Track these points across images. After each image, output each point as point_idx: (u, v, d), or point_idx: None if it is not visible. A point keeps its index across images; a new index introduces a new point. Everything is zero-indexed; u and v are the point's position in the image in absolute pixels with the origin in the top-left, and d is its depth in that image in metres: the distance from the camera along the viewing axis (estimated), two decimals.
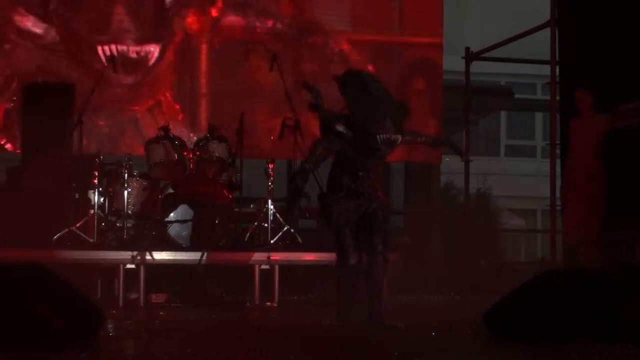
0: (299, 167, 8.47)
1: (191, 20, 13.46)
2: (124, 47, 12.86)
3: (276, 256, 10.14)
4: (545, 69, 12.09)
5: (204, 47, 13.63)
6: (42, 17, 13.00)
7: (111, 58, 11.82)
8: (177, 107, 13.21)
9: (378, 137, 7.54)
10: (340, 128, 7.72)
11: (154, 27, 13.34)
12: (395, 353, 6.13)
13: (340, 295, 7.98)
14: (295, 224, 10.82)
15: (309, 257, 10.54)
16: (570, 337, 6.44)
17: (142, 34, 13.18)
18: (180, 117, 13.13)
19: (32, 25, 13.02)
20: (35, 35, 12.99)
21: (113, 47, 12.65)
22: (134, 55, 13.12)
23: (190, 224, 10.48)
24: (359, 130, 7.67)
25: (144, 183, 10.86)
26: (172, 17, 13.47)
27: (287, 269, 10.48)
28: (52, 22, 13.04)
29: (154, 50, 13.30)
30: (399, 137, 7.66)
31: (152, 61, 13.30)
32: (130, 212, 10.74)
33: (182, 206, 10.54)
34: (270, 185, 10.88)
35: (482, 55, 14.36)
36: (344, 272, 7.83)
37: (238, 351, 6.24)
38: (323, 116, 7.88)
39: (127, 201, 10.71)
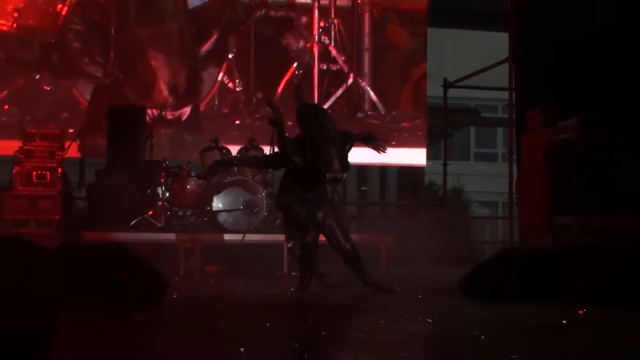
0: (230, 158, 8.34)
1: None
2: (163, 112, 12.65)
3: None
4: (504, 94, 12.06)
5: None
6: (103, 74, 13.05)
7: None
8: None
9: (326, 175, 7.03)
10: (296, 159, 7.27)
11: (187, 95, 13.25)
12: (390, 310, 6.14)
13: (302, 271, 7.42)
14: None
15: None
16: (524, 299, 6.44)
17: (177, 103, 13.04)
18: None
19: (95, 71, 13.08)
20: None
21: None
22: (170, 117, 13.10)
23: (234, 212, 10.50)
24: (311, 166, 7.16)
25: (199, 182, 10.87)
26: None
27: None
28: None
29: (186, 110, 13.27)
30: (344, 175, 7.17)
31: (184, 117, 13.31)
32: (189, 203, 10.78)
33: (228, 199, 10.57)
34: None
35: (456, 84, 14.33)
36: (304, 249, 7.38)
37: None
38: (281, 139, 7.44)
39: (187, 195, 10.75)
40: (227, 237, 10.36)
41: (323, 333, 5.08)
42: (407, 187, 15.86)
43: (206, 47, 13.48)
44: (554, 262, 6.90)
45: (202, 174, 10.90)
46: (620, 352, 4.43)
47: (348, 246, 7.36)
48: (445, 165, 14.45)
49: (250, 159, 8.68)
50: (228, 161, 8.26)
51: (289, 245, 7.60)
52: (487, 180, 24.61)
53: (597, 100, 10.79)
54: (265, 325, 5.26)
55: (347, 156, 7.28)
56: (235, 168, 10.74)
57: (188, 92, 13.18)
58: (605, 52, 11.12)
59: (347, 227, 7.73)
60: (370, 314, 6.07)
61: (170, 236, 10.30)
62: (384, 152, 7.57)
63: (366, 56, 14.00)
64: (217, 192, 10.51)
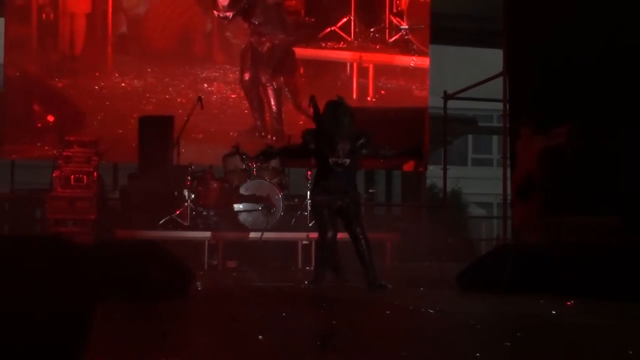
0: (275, 149, 8.37)
1: None
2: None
3: (313, 235, 10.14)
4: (499, 105, 12.04)
5: None
6: None
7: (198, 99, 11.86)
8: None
9: (330, 160, 7.21)
10: (311, 146, 7.44)
11: None
12: (396, 302, 6.14)
13: (317, 266, 7.55)
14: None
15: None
16: (517, 291, 6.42)
17: None
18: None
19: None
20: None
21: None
22: None
23: (253, 212, 10.51)
24: (321, 150, 7.35)
25: (222, 184, 10.88)
26: None
27: None
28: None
29: None
30: (347, 161, 7.22)
31: None
32: (212, 204, 10.79)
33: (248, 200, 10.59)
34: (309, 186, 10.88)
35: (455, 96, 14.30)
36: (323, 245, 7.44)
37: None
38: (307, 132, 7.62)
39: (210, 197, 10.76)
40: (247, 234, 10.36)
41: (334, 322, 5.08)
42: (410, 189, 15.83)
43: None
44: (544, 258, 6.88)
45: (224, 177, 10.93)
46: (604, 339, 4.42)
47: (359, 233, 7.36)
48: (445, 169, 14.42)
49: (291, 150, 8.66)
50: (273, 152, 8.27)
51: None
52: (483, 183, 24.61)
53: (583, 110, 10.81)
54: (281, 314, 5.26)
55: (355, 149, 7.33)
56: (255, 172, 10.77)
57: None
58: (589, 67, 11.14)
59: (362, 221, 7.64)
60: (377, 306, 6.06)
61: (196, 234, 10.33)
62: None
63: None
64: (238, 194, 10.52)
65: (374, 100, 13.78)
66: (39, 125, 12.47)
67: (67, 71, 12.87)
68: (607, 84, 11.04)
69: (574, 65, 11.05)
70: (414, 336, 4.57)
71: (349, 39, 13.77)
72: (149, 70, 13.12)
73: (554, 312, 5.43)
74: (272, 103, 13.24)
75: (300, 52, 13.63)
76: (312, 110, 7.77)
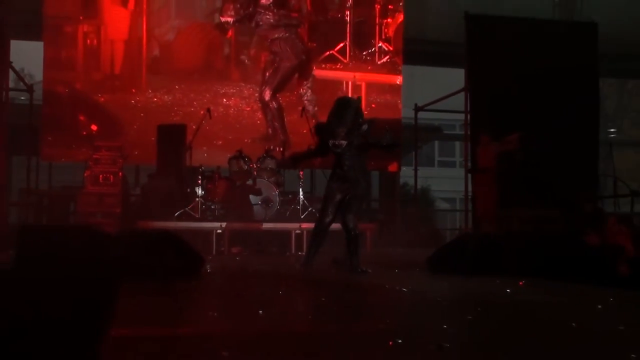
0: (299, 153, 7.88)
1: None
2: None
3: (305, 225, 10.13)
4: (461, 116, 12.04)
5: None
6: None
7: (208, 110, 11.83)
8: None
9: (329, 142, 6.92)
10: (318, 134, 7.24)
11: None
12: (375, 283, 6.12)
13: (310, 247, 7.17)
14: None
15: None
16: (477, 273, 6.42)
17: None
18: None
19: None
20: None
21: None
22: None
23: (254, 206, 10.49)
24: (323, 135, 7.07)
25: (227, 183, 10.84)
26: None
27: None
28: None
29: None
30: (343, 143, 6.84)
31: None
32: (218, 199, 10.76)
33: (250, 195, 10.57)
34: (300, 184, 10.88)
35: (425, 108, 14.30)
36: (318, 228, 7.08)
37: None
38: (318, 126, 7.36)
39: (217, 193, 10.73)
40: (249, 225, 10.32)
41: (323, 299, 5.06)
42: (387, 187, 15.83)
43: None
44: (499, 245, 6.87)
45: (230, 176, 10.91)
46: (551, 313, 4.42)
47: (351, 225, 6.97)
48: (415, 170, 14.42)
49: (308, 152, 8.16)
50: (298, 157, 7.81)
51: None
52: (448, 181, 24.60)
53: (531, 119, 10.89)
54: (278, 292, 5.24)
55: (353, 132, 6.89)
56: (255, 172, 10.74)
57: None
58: (538, 83, 11.22)
59: (359, 216, 7.27)
60: (360, 286, 6.04)
61: (205, 224, 10.27)
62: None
63: None
64: (241, 191, 10.50)
65: (366, 113, 13.72)
66: (84, 133, 12.46)
67: (108, 88, 12.93)
68: (552, 97, 11.19)
69: (525, 81, 11.17)
70: (389, 311, 4.56)
71: (345, 61, 13.83)
72: (177, 87, 13.13)
73: (508, 290, 5.42)
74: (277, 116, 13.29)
75: None
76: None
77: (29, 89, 12.32)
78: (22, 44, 13.23)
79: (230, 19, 13.03)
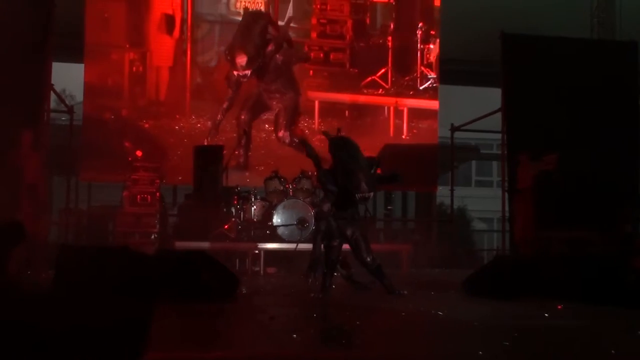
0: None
1: None
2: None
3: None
4: (498, 135, 11.93)
5: None
6: None
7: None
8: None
9: (357, 196, 6.48)
10: (330, 187, 6.82)
11: None
12: (410, 306, 6.06)
13: (325, 275, 6.75)
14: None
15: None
16: (516, 296, 6.33)
17: None
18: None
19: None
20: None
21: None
22: None
23: (289, 226, 10.47)
24: (343, 188, 6.63)
25: (263, 203, 10.86)
26: None
27: None
28: None
29: None
30: (371, 194, 6.53)
31: None
32: (255, 219, 10.76)
33: (284, 216, 10.55)
34: None
35: (461, 128, 14.22)
36: (329, 251, 6.76)
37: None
38: (318, 169, 7.04)
39: (254, 214, 10.75)
40: (284, 245, 10.31)
41: (357, 322, 5.02)
42: (423, 207, 15.74)
43: None
44: (537, 268, 6.77)
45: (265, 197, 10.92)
46: (589, 337, 4.34)
47: (369, 259, 6.76)
48: (452, 189, 14.29)
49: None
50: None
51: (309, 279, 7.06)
52: (485, 201, 24.41)
53: (569, 139, 10.76)
54: (312, 316, 5.22)
55: (373, 178, 6.69)
56: (291, 192, 10.75)
57: None
58: (576, 103, 11.09)
59: (369, 241, 6.95)
60: (394, 309, 5.98)
61: (241, 245, 10.28)
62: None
63: None
64: (277, 212, 10.51)
65: (407, 137, 13.86)
66: (130, 159, 12.45)
67: (153, 114, 13.09)
68: (589, 118, 11.06)
69: (561, 101, 11.05)
70: (425, 335, 4.51)
71: (387, 87, 13.83)
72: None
73: (546, 314, 5.33)
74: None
75: (346, 97, 13.72)
76: (305, 151, 7.18)
77: (70, 110, 12.50)
78: (64, 66, 13.43)
79: (247, 72, 13.05)
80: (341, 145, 6.80)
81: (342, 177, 6.61)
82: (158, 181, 10.97)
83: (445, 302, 6.36)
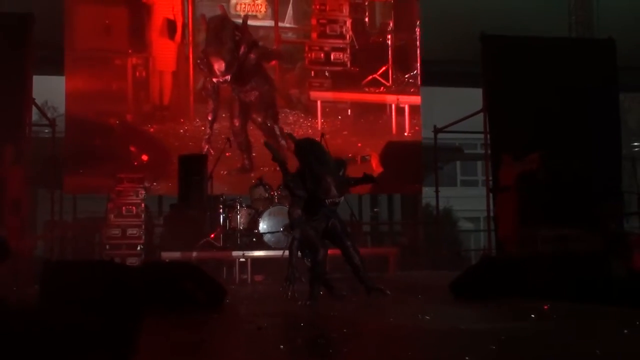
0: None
1: None
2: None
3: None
4: (481, 135, 11.98)
5: None
6: None
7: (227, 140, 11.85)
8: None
9: (326, 201, 6.33)
10: (299, 193, 6.45)
11: None
12: (398, 310, 6.05)
13: (312, 284, 6.44)
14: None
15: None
16: (502, 297, 6.32)
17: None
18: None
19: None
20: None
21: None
22: None
23: (276, 233, 10.45)
24: (312, 193, 6.38)
25: (249, 211, 10.84)
26: None
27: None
28: None
29: None
30: (341, 199, 6.40)
31: None
32: (241, 227, 10.73)
33: (270, 223, 10.52)
34: None
35: (444, 129, 14.23)
36: (315, 266, 6.45)
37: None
38: (284, 174, 6.72)
39: (239, 222, 10.71)
40: (270, 253, 10.29)
41: (345, 330, 4.99)
42: (409, 208, 15.74)
43: None
44: (522, 267, 6.77)
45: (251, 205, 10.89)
46: (576, 337, 4.33)
47: (356, 260, 6.60)
48: (437, 190, 14.31)
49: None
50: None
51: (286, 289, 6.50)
52: (471, 201, 24.46)
53: (552, 138, 10.81)
54: (300, 325, 5.19)
55: (343, 181, 6.50)
56: (276, 199, 10.73)
57: None
58: (557, 101, 11.15)
59: (352, 236, 6.78)
60: (380, 314, 5.96)
61: (228, 253, 10.26)
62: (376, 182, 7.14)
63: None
64: (262, 219, 10.48)
65: (409, 134, 14.04)
66: (136, 163, 12.68)
67: (158, 118, 13.17)
68: (571, 116, 11.11)
69: (543, 100, 11.10)
70: (412, 340, 4.49)
71: (388, 84, 13.96)
72: (223, 115, 13.32)
73: (532, 315, 5.33)
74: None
75: (347, 96, 13.87)
76: (271, 155, 7.00)
77: (52, 123, 12.42)
78: (44, 79, 13.34)
79: (227, 77, 13.05)
80: (308, 148, 6.58)
81: (311, 181, 6.37)
82: (143, 192, 10.93)
83: (432, 306, 6.34)
